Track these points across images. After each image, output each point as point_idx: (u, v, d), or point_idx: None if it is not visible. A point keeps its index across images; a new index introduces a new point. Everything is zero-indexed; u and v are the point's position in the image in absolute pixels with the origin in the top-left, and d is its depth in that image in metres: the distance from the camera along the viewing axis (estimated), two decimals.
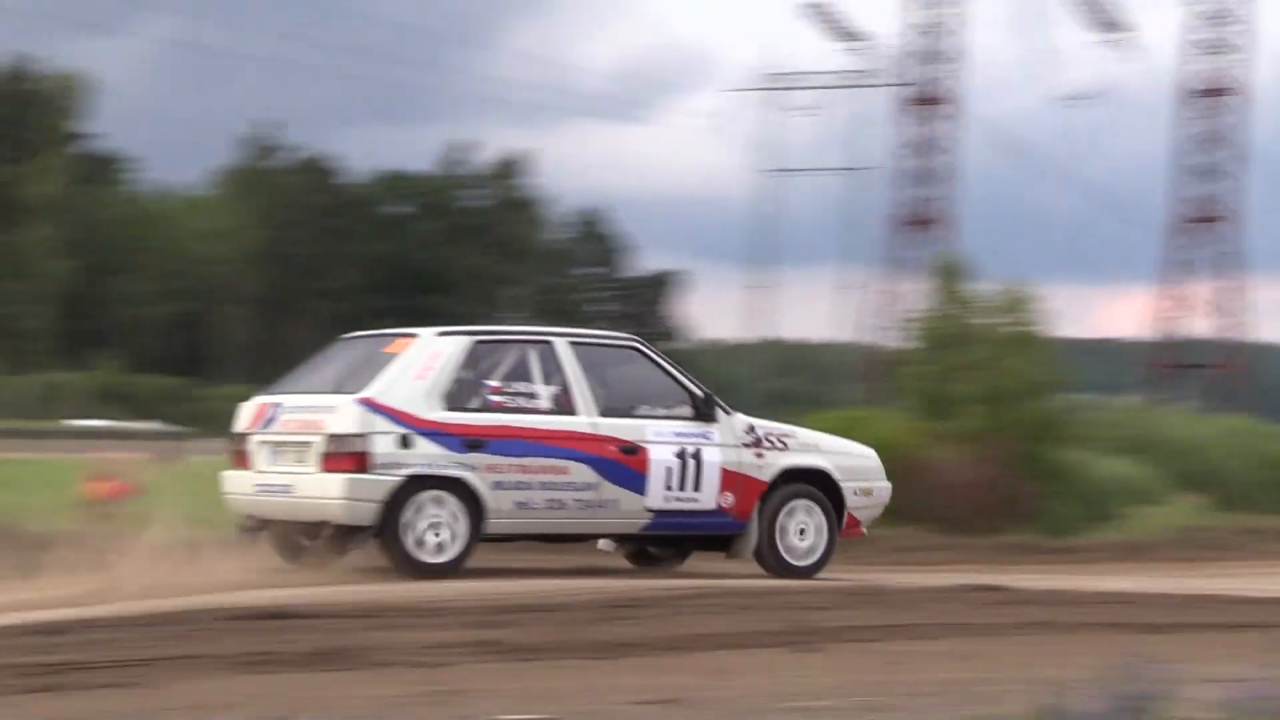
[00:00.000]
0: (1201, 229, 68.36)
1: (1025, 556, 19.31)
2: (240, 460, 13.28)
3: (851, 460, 13.91)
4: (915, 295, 45.74)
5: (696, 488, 13.18)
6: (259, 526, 13.10)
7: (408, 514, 12.31)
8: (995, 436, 28.01)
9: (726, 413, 13.44)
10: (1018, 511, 24.36)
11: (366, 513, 12.28)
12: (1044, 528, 24.03)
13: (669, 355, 13.83)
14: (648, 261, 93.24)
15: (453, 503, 12.42)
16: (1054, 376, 30.58)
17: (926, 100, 68.05)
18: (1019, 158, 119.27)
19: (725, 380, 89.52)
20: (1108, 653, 7.10)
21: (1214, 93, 68.52)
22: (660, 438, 13.14)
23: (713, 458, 13.25)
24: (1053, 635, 11.10)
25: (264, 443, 13.04)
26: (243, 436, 13.31)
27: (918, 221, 67.53)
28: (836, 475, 13.69)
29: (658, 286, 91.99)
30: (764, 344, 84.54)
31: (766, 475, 13.43)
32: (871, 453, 14.16)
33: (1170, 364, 66.87)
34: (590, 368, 13.14)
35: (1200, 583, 15.45)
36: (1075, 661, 8.81)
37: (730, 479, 13.29)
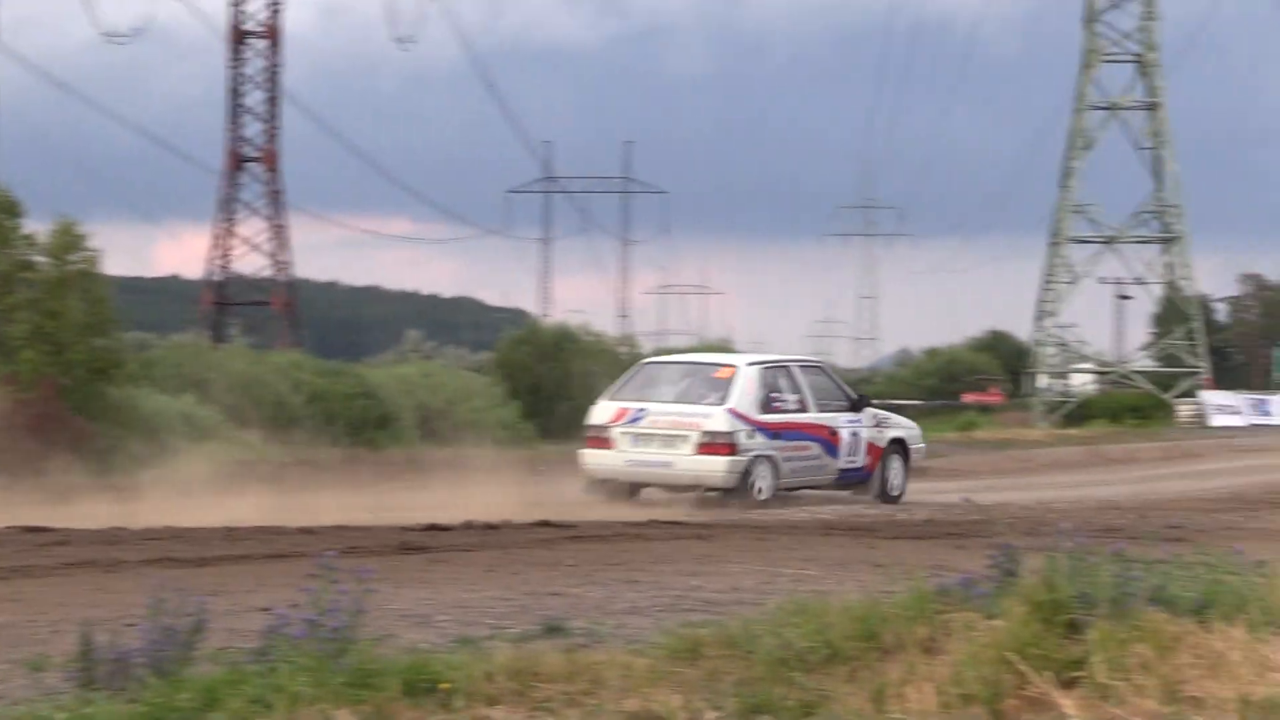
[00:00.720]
0: (249, 169, 69.33)
1: (79, 495, 19.23)
2: (600, 444, 20.32)
3: (912, 431, 22.28)
4: None
5: (856, 454, 21.18)
6: (611, 487, 20.26)
7: (750, 476, 19.86)
8: (48, 377, 27.72)
9: (865, 406, 21.60)
10: (74, 451, 24.22)
11: (733, 480, 19.77)
12: (100, 466, 23.99)
13: None
14: None
15: (768, 469, 20.09)
16: (108, 316, 30.48)
17: None
18: (68, 94, 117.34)
19: None
20: (154, 588, 7.24)
21: (255, 35, 69.51)
22: (843, 425, 21.08)
23: (863, 435, 21.31)
24: (100, 574, 11.22)
25: (626, 433, 20.16)
26: (603, 427, 20.32)
27: None
28: (909, 440, 22.05)
29: None
30: None
31: (883, 443, 21.56)
32: (916, 425, 22.78)
33: (223, 301, 67.61)
34: (806, 379, 21.12)
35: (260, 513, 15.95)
36: (122, 600, 8.98)
37: (870, 448, 21.38)
